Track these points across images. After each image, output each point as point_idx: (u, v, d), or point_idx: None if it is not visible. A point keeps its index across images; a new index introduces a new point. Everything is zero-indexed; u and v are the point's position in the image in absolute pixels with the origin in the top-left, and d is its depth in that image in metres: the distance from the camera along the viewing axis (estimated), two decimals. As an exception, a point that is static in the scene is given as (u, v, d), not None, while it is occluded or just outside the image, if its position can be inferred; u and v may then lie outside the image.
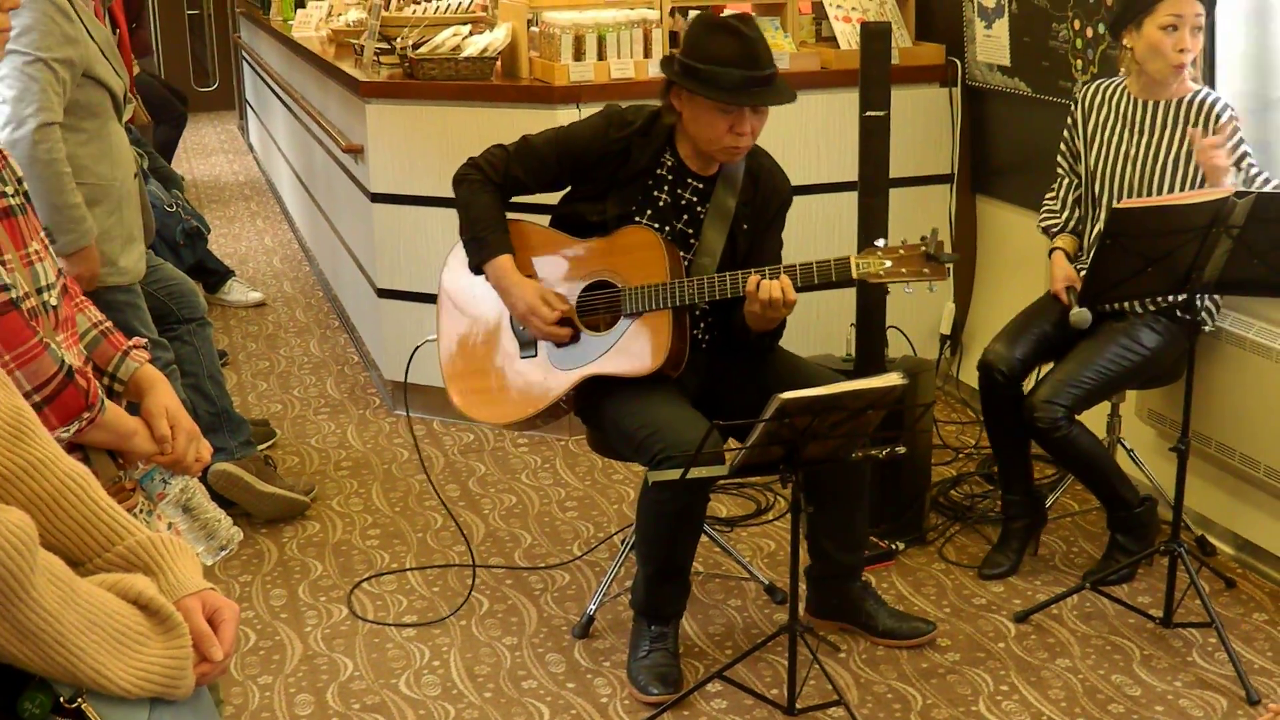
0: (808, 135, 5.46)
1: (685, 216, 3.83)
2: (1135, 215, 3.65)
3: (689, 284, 3.67)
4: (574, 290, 3.81)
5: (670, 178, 3.83)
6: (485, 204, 3.84)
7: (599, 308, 3.79)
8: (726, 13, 5.61)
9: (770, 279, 3.58)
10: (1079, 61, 4.85)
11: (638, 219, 3.80)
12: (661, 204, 3.82)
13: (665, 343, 3.70)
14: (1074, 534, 4.61)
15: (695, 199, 3.83)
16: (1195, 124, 4.06)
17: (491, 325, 3.91)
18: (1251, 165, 4.01)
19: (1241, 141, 4.02)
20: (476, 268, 3.86)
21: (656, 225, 3.80)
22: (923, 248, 3.58)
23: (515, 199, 3.92)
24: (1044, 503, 4.46)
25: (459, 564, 4.48)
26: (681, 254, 3.79)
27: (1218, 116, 4.03)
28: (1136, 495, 4.23)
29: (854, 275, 3.60)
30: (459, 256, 3.94)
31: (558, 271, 3.84)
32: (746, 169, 3.86)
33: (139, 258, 4.33)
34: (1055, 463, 4.48)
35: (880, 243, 3.64)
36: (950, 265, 3.60)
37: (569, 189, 3.94)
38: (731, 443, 3.54)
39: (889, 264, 3.58)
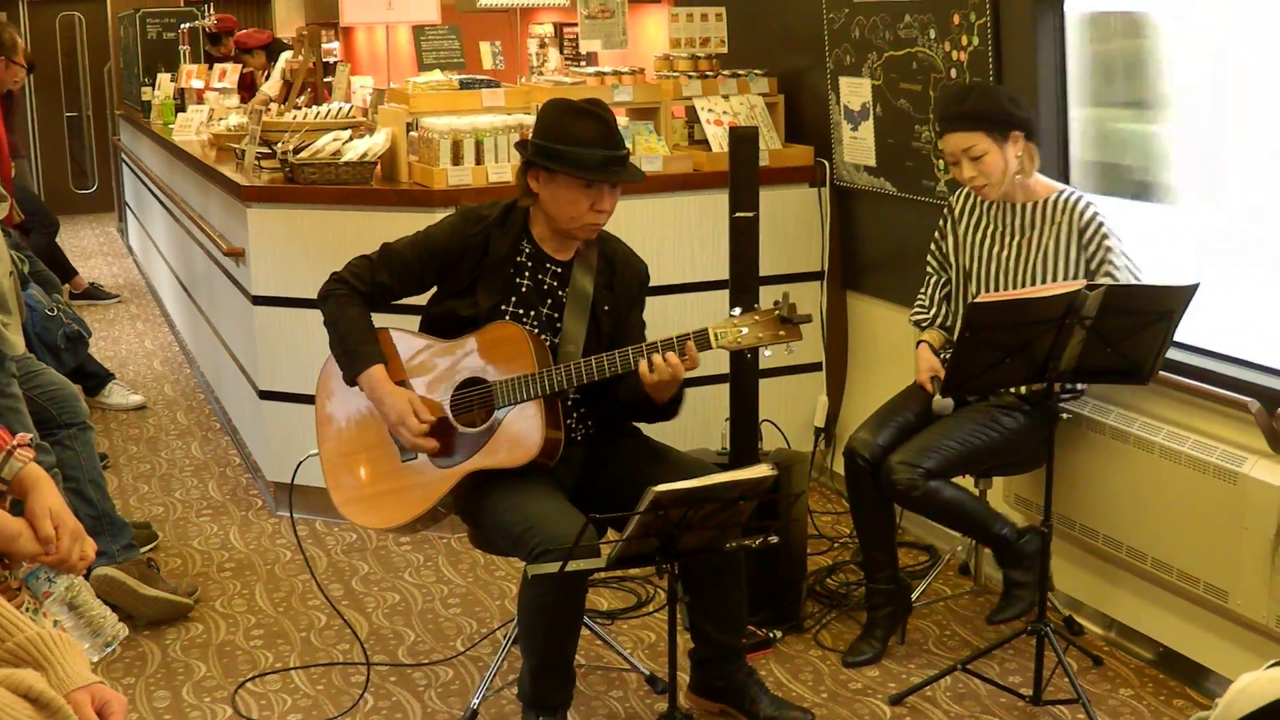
0: (681, 235, 5.60)
1: (549, 301, 3.96)
2: (992, 309, 3.81)
3: (557, 371, 3.77)
4: (448, 390, 3.89)
5: (530, 264, 3.96)
6: (353, 317, 3.93)
7: (473, 404, 3.87)
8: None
9: (662, 353, 3.69)
10: (941, 162, 5.04)
11: (504, 308, 3.91)
12: (525, 289, 3.94)
13: (539, 432, 3.78)
14: (946, 617, 4.73)
15: (555, 283, 3.97)
16: (1060, 222, 4.23)
17: (371, 433, 3.98)
18: (1113, 268, 4.16)
19: (1105, 239, 4.18)
20: (350, 380, 3.94)
21: (522, 311, 3.92)
22: (776, 311, 3.69)
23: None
24: (909, 591, 4.58)
25: (344, 662, 4.50)
26: (550, 338, 3.91)
27: (1081, 214, 4.21)
28: (1015, 529, 4.31)
29: (713, 345, 3.71)
30: (333, 368, 4.03)
31: (430, 374, 3.93)
32: (601, 253, 4.01)
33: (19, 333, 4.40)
34: (927, 518, 4.56)
35: (736, 311, 3.76)
36: (803, 325, 3.70)
37: (435, 290, 4.04)
38: (610, 534, 3.62)
39: (745, 330, 3.69)
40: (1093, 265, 4.20)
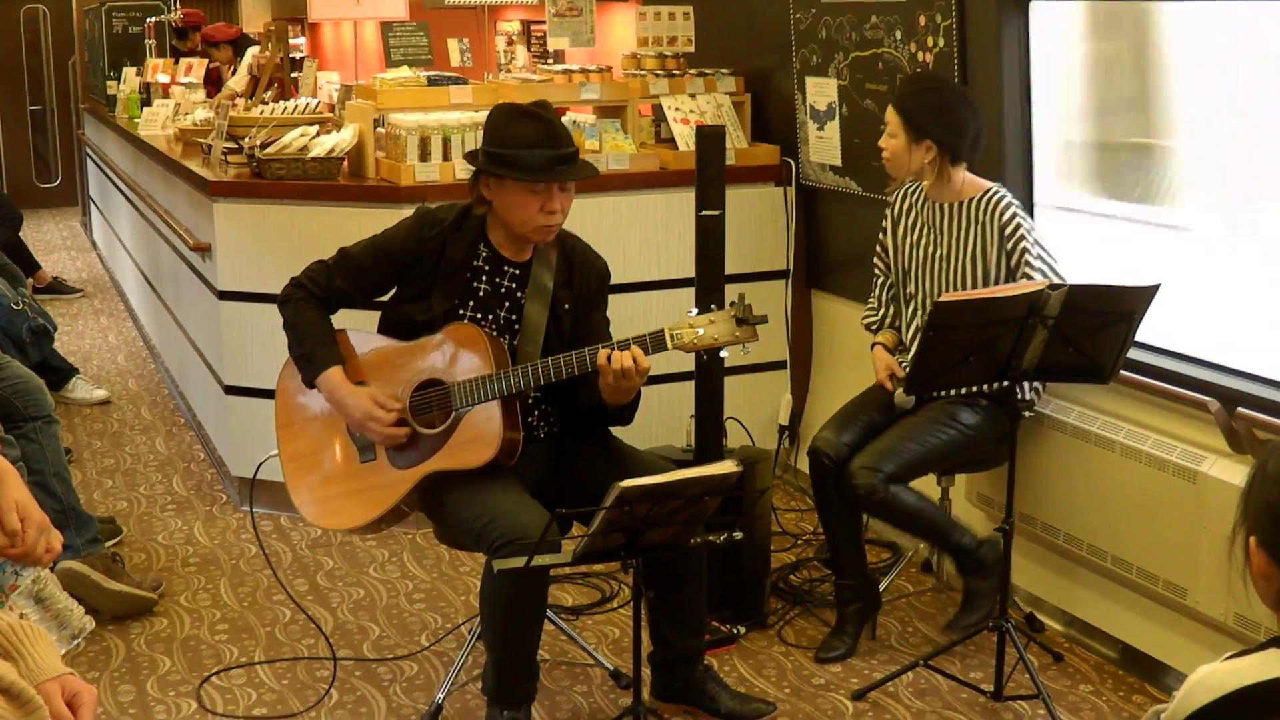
0: (648, 233, 5.62)
1: (507, 304, 3.96)
2: (956, 308, 3.84)
3: (514, 373, 3.78)
4: (406, 391, 3.90)
5: (487, 268, 3.96)
6: (311, 320, 3.95)
7: (432, 405, 3.88)
8: (569, 117, 5.79)
9: (619, 351, 3.70)
10: (905, 162, 5.07)
11: (462, 312, 3.92)
12: (482, 294, 3.95)
13: (497, 432, 3.80)
14: (909, 614, 4.76)
15: (514, 285, 3.97)
16: (983, 222, 4.29)
17: (330, 434, 4.01)
18: (1030, 269, 4.22)
19: (1022, 239, 4.24)
20: (309, 383, 3.96)
21: (479, 315, 3.93)
22: (733, 312, 3.70)
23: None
24: (878, 587, 4.61)
25: (309, 656, 4.51)
26: (509, 340, 3.92)
27: (1001, 214, 4.27)
28: (974, 538, 4.37)
29: (669, 346, 3.71)
30: (292, 371, 4.04)
31: (388, 375, 3.94)
32: (560, 252, 4.02)
33: None
34: (888, 524, 4.62)
35: (692, 312, 3.77)
36: (758, 326, 3.70)
37: (393, 293, 4.05)
38: (576, 530, 3.64)
39: (701, 331, 3.70)
40: (1012, 264, 4.26)
